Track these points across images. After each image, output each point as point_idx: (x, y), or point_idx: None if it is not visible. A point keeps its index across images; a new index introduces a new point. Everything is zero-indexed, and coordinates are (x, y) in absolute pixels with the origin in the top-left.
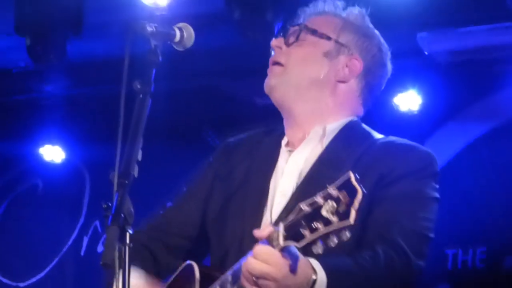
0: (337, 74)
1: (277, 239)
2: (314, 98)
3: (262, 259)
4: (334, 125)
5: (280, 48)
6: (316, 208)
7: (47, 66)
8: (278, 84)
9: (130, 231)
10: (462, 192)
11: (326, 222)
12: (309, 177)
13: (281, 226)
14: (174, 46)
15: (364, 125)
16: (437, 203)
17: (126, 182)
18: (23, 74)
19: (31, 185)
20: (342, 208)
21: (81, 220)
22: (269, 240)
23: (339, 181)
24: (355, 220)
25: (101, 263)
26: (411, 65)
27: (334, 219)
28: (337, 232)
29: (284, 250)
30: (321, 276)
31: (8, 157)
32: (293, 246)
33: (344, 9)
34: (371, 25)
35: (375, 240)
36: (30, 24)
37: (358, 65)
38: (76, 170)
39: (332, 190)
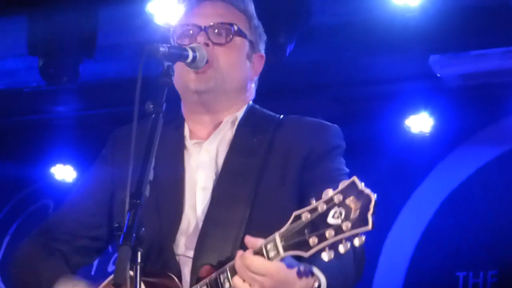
0: (251, 73)
1: (276, 249)
2: (235, 97)
3: (258, 271)
4: (240, 113)
5: (207, 45)
6: (320, 215)
7: (59, 87)
8: (214, 88)
9: (141, 251)
10: (473, 214)
11: (337, 229)
12: (226, 167)
13: (277, 236)
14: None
15: (257, 106)
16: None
17: (138, 201)
18: (35, 94)
19: (42, 205)
20: (354, 214)
21: None
22: (262, 251)
23: (341, 187)
24: (373, 225)
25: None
26: (423, 88)
27: (346, 225)
28: (351, 238)
29: (282, 260)
30: (323, 281)
31: (19, 177)
32: (289, 256)
33: None
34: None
35: None
36: (43, 45)
37: (262, 62)
38: None
39: (335, 196)
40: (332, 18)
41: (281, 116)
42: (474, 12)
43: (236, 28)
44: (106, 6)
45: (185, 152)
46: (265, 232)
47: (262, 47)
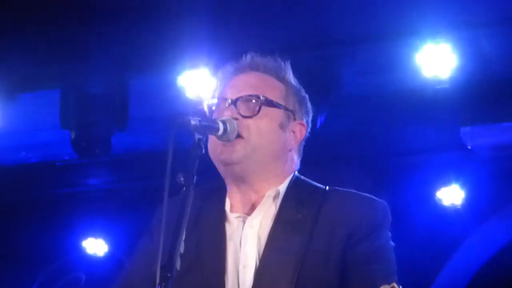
0: (289, 143)
1: None
2: (272, 168)
3: None
4: (284, 186)
5: (236, 119)
6: None
7: (91, 160)
8: (243, 159)
9: None
10: (506, 286)
11: None
12: (270, 244)
13: None
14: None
15: (303, 178)
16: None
17: (169, 275)
18: (67, 167)
19: (73, 278)
20: None
21: None
22: None
23: None
24: None
25: None
26: (454, 159)
27: None
28: None
29: None
30: None
31: (50, 250)
32: None
33: (275, 66)
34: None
35: None
36: (75, 118)
37: (304, 130)
38: (119, 263)
39: None
40: (362, 90)
41: (327, 187)
42: (504, 84)
43: (264, 100)
44: (137, 79)
45: (228, 226)
46: None
47: (304, 115)
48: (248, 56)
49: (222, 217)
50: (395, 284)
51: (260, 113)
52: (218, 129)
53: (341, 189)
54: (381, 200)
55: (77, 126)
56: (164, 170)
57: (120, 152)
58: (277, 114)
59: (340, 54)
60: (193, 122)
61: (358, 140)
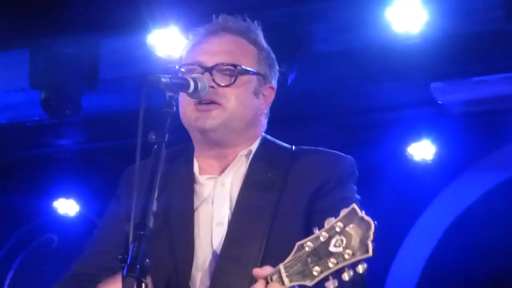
0: (260, 107)
1: (280, 280)
2: (245, 134)
3: None
4: (255, 146)
5: (213, 87)
6: (322, 244)
7: (62, 120)
8: (219, 127)
9: (146, 282)
10: (477, 241)
11: (339, 257)
12: (241, 202)
13: (282, 267)
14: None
15: (270, 138)
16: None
17: (142, 233)
18: (37, 128)
19: (46, 239)
20: (354, 242)
21: None
22: (269, 281)
23: (342, 214)
24: (374, 252)
25: None
26: (425, 115)
27: (348, 253)
28: (353, 265)
29: None
30: None
31: (22, 211)
32: (295, 286)
33: (246, 27)
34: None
35: None
36: (45, 78)
37: (273, 93)
38: (91, 223)
39: (336, 224)
40: (333, 47)
41: (293, 147)
42: (475, 39)
43: (240, 69)
44: (107, 39)
45: (199, 186)
46: None
47: (273, 78)
48: (220, 18)
49: (191, 179)
50: (355, 205)
51: (236, 82)
52: (189, 86)
53: (307, 147)
54: (347, 155)
55: (47, 86)
56: (135, 129)
57: (90, 112)
58: (251, 81)
59: (311, 10)
60: (163, 80)
61: (328, 98)
